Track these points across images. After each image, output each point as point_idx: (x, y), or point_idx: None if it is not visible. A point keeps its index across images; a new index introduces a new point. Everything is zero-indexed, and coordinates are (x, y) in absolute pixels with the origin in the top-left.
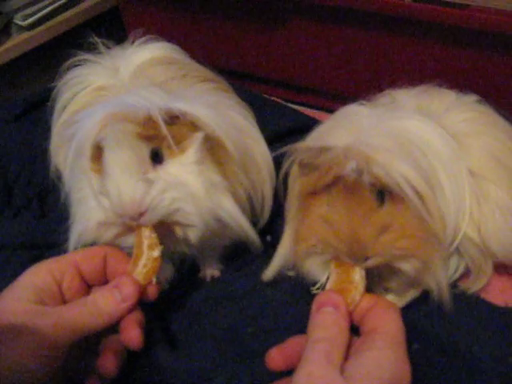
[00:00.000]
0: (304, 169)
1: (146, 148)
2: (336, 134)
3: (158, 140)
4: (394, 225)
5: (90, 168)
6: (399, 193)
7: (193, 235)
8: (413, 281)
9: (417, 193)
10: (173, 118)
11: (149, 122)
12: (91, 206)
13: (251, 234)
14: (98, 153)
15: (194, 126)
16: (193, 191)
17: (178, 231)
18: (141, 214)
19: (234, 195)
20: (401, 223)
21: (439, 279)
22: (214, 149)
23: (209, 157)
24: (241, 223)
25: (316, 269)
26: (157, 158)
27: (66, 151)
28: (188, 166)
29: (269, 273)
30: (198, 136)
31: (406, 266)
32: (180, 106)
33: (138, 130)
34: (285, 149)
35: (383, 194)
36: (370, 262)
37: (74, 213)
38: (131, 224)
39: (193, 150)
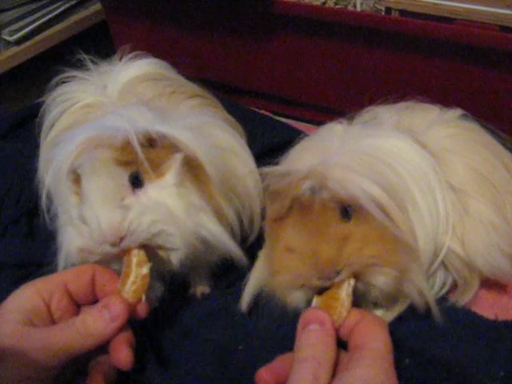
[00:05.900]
0: (271, 195)
1: (124, 173)
2: (302, 157)
3: (137, 164)
4: (356, 235)
5: (71, 191)
6: (359, 205)
7: (175, 257)
8: (394, 293)
9: (379, 205)
10: (152, 141)
11: (127, 146)
12: (72, 231)
13: (235, 252)
14: (78, 176)
15: (173, 148)
16: (173, 213)
17: (162, 253)
18: (121, 240)
19: (217, 214)
20: (364, 233)
21: (420, 288)
22: (195, 169)
23: (189, 177)
24: (224, 241)
25: (298, 301)
26: (137, 181)
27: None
28: (168, 189)
29: (244, 299)
30: (177, 157)
31: (381, 279)
32: (159, 128)
33: (116, 155)
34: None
35: (347, 209)
36: (343, 275)
37: (60, 235)
38: (113, 252)
39: (172, 172)
